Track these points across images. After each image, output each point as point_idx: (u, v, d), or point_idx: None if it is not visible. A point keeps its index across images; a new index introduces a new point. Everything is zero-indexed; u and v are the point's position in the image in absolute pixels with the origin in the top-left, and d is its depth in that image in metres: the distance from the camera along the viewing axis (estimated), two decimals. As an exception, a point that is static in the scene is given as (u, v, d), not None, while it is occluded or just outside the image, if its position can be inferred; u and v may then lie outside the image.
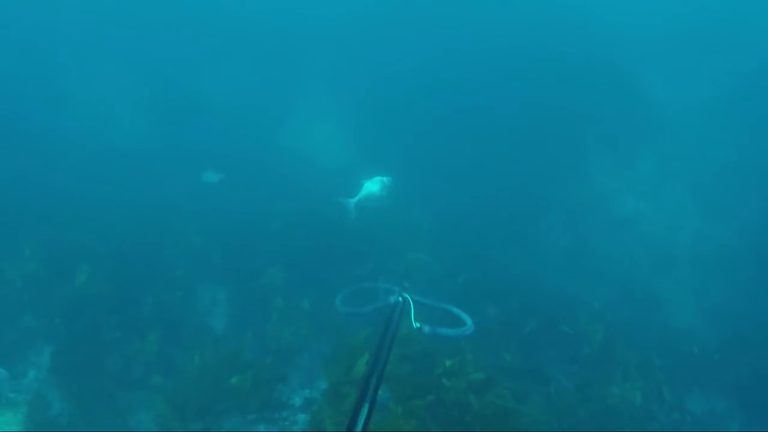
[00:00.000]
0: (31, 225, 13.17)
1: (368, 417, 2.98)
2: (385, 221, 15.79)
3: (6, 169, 15.55)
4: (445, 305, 4.28)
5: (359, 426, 2.94)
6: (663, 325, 13.59)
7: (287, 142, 19.42)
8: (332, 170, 18.35)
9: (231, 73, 21.71)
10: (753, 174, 16.86)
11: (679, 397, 11.64)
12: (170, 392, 9.36)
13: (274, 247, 14.26)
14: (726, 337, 13.40)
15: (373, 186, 10.62)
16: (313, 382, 11.19)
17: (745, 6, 22.08)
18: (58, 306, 10.96)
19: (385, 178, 10.70)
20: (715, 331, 13.66)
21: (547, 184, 16.70)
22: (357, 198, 10.48)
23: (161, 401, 9.31)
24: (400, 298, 3.91)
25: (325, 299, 13.03)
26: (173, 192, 16.41)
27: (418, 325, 3.77)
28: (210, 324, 12.39)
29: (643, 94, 19.47)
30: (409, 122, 19.15)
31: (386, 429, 7.68)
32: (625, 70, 19.93)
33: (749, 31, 21.14)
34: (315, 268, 13.89)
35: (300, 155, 18.76)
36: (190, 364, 9.80)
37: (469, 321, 4.08)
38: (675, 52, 20.90)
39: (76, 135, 18.49)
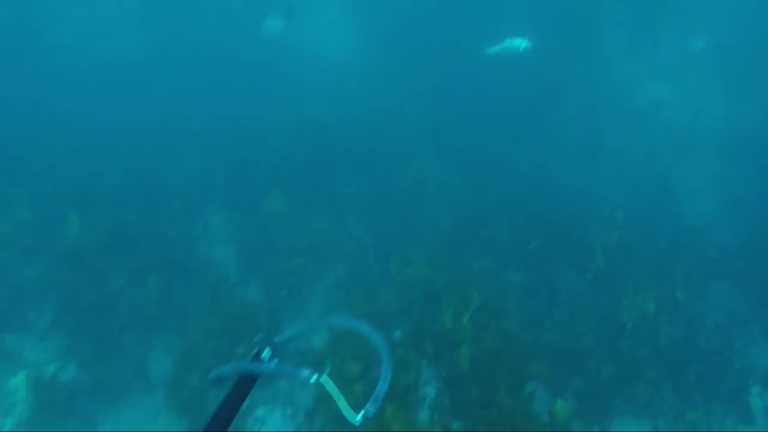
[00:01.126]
0: (18, 169, 12.73)
1: None
2: (389, 125, 15.02)
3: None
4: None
5: None
6: (679, 224, 12.91)
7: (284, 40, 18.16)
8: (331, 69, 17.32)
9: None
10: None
11: (696, 302, 11.31)
12: (184, 347, 9.36)
13: (275, 165, 13.74)
14: (747, 234, 12.77)
15: (513, 43, 11.69)
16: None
17: None
18: (58, 256, 10.80)
19: (526, 41, 11.68)
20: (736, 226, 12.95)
21: (561, 73, 15.42)
22: (497, 48, 11.69)
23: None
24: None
25: (333, 220, 12.69)
26: (166, 109, 15.66)
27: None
28: (215, 256, 12.13)
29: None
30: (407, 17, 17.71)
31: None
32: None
33: None
34: (317, 184, 13.39)
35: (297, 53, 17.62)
36: (198, 316, 9.75)
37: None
38: None
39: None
